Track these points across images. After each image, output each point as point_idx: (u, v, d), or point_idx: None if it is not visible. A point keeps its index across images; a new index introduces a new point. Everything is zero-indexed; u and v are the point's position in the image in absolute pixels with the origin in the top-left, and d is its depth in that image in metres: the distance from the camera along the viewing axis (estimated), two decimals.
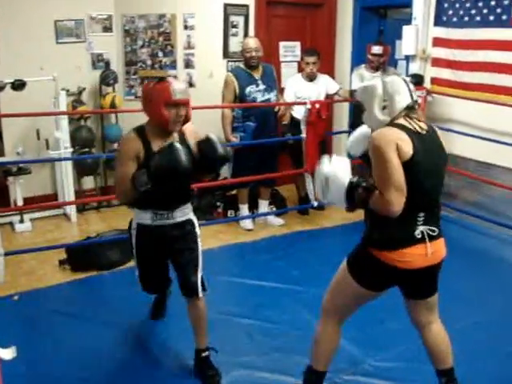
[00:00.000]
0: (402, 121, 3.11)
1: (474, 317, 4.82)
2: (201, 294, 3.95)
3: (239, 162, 6.76)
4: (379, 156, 2.98)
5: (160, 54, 7.92)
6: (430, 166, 3.08)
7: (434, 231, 3.15)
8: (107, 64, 7.65)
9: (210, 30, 7.96)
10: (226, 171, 6.82)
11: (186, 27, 7.86)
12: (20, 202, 6.94)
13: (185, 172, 3.59)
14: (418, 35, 7.46)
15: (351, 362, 4.14)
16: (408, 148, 2.97)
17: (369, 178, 3.15)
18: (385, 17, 8.69)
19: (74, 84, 7.42)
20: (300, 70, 7.76)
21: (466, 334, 4.39)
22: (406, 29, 7.53)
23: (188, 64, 7.90)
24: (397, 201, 2.94)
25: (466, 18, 6.95)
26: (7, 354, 1.61)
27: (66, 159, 7.00)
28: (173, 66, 7.94)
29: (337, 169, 3.22)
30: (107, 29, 7.75)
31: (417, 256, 3.12)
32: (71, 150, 7.01)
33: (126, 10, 7.82)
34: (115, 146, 7.79)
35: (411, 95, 3.15)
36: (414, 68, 7.61)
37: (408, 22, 7.60)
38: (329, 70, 8.48)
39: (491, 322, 4.79)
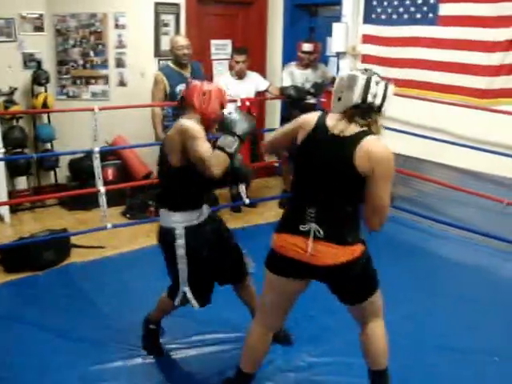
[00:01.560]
0: (336, 116, 3.14)
1: (401, 310, 4.83)
2: (251, 271, 4.17)
3: None
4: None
5: (91, 53, 7.90)
6: (316, 162, 3.13)
7: (319, 232, 3.10)
8: (39, 64, 7.59)
9: (142, 28, 7.97)
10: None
11: (117, 26, 7.85)
12: None
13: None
14: (347, 32, 7.55)
15: (285, 359, 4.18)
16: (302, 135, 3.16)
17: None
18: (315, 14, 8.79)
19: (6, 84, 7.35)
20: (230, 68, 7.81)
21: (393, 327, 4.46)
22: (335, 26, 7.62)
23: (119, 63, 7.89)
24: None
25: (395, 16, 7.09)
26: None
27: None
28: (104, 65, 7.92)
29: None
30: (39, 28, 7.66)
31: (292, 245, 3.17)
32: (3, 150, 6.93)
33: (57, 9, 7.75)
34: (48, 146, 7.77)
35: (364, 95, 3.07)
36: (345, 65, 7.70)
37: (338, 19, 7.69)
38: (260, 67, 8.55)
39: (418, 315, 4.90)
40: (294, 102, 7.25)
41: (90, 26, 7.83)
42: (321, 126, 3.13)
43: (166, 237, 3.87)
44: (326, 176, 3.12)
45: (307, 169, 3.17)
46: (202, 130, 3.71)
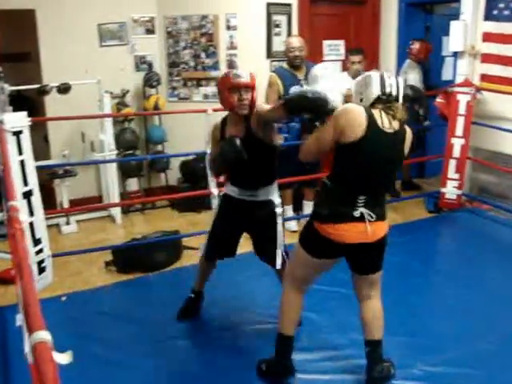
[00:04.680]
0: (374, 111, 3.41)
1: None
2: (278, 267, 4.33)
3: (283, 163, 6.68)
4: (329, 121, 3.45)
5: (203, 55, 7.90)
6: (377, 158, 3.44)
7: (372, 216, 3.48)
8: (150, 66, 7.70)
9: (253, 30, 7.90)
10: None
11: (228, 28, 7.82)
12: (66, 204, 7.02)
13: (232, 160, 4.05)
14: (466, 30, 7.23)
15: (400, 367, 4.01)
16: (354, 134, 3.33)
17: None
18: (431, 12, 8.54)
19: (118, 86, 7.48)
20: (345, 68, 7.67)
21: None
22: (453, 24, 7.31)
23: (231, 65, 7.84)
24: (307, 152, 3.74)
25: None
26: (63, 358, 1.56)
27: (110, 161, 7.04)
28: (215, 66, 7.89)
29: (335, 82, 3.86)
30: (150, 31, 7.78)
31: (351, 232, 3.50)
32: (116, 152, 7.04)
33: (168, 11, 7.84)
34: (159, 147, 7.83)
35: (382, 88, 3.42)
36: (463, 65, 7.42)
37: (455, 17, 7.40)
38: (374, 67, 8.35)
39: None
40: (412, 102, 7.14)
41: (201, 28, 7.83)
42: (372, 123, 3.37)
43: None
44: (384, 168, 3.53)
45: (365, 163, 3.44)
46: (214, 133, 4.44)
